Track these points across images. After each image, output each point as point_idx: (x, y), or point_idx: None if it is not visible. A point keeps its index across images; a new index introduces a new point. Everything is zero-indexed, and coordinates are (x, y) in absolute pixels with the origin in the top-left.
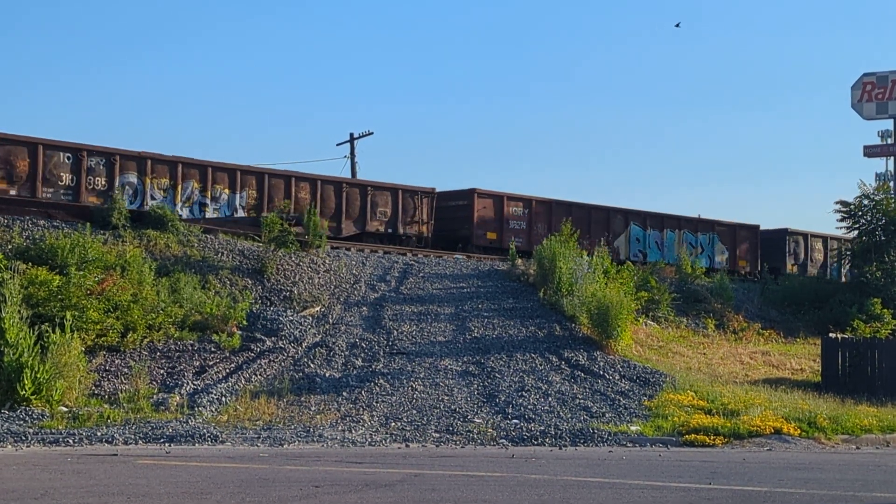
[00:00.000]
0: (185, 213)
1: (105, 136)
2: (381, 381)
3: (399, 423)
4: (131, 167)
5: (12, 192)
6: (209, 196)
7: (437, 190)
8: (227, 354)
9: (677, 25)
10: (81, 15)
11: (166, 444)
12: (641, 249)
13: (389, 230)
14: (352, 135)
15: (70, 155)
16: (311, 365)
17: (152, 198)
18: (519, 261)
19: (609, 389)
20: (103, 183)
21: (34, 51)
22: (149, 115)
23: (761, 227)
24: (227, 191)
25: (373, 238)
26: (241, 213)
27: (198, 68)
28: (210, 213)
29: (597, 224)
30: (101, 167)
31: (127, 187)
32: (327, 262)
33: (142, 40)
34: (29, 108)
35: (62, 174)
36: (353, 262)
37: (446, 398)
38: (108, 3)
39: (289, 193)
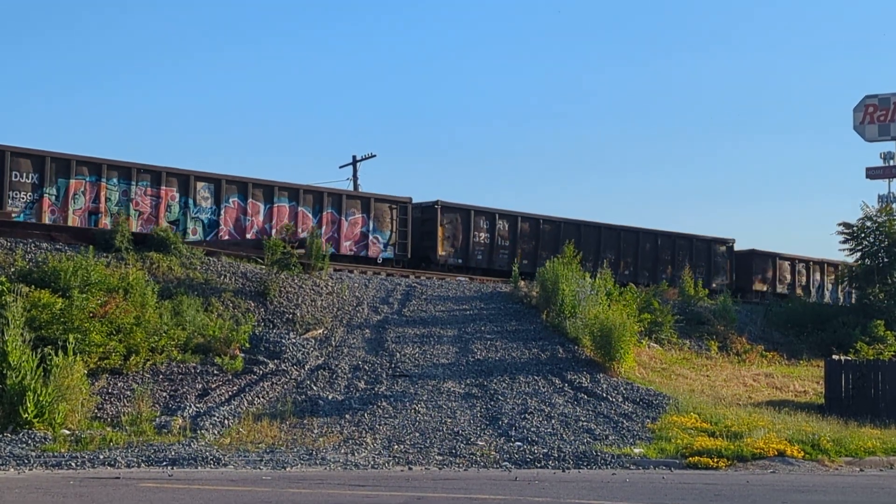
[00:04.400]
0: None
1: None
2: (384, 403)
3: (402, 446)
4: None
5: None
6: None
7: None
8: (230, 377)
9: None
10: (85, 32)
11: (169, 467)
12: None
13: None
14: (354, 157)
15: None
16: (314, 387)
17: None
18: (521, 283)
19: (612, 412)
20: None
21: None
22: (147, 135)
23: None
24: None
25: None
26: None
27: (197, 91)
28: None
29: None
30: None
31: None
32: (330, 284)
33: (140, 61)
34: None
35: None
36: (356, 285)
37: (449, 420)
38: (120, 19)
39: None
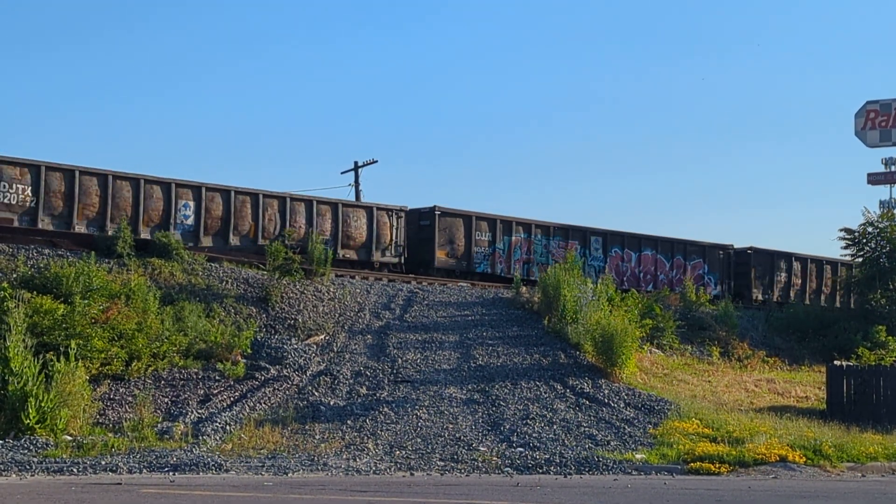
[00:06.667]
0: None
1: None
2: (386, 409)
3: (404, 452)
4: None
5: None
6: None
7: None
8: (232, 383)
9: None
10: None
11: (170, 473)
12: None
13: None
14: (356, 163)
15: None
16: (316, 393)
17: None
18: (523, 288)
19: (614, 417)
20: None
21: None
22: (154, 145)
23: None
24: None
25: None
26: None
27: (197, 99)
28: None
29: None
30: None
31: None
32: (332, 290)
33: (138, 72)
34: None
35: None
36: (358, 290)
37: (451, 426)
38: (123, 41)
39: None
